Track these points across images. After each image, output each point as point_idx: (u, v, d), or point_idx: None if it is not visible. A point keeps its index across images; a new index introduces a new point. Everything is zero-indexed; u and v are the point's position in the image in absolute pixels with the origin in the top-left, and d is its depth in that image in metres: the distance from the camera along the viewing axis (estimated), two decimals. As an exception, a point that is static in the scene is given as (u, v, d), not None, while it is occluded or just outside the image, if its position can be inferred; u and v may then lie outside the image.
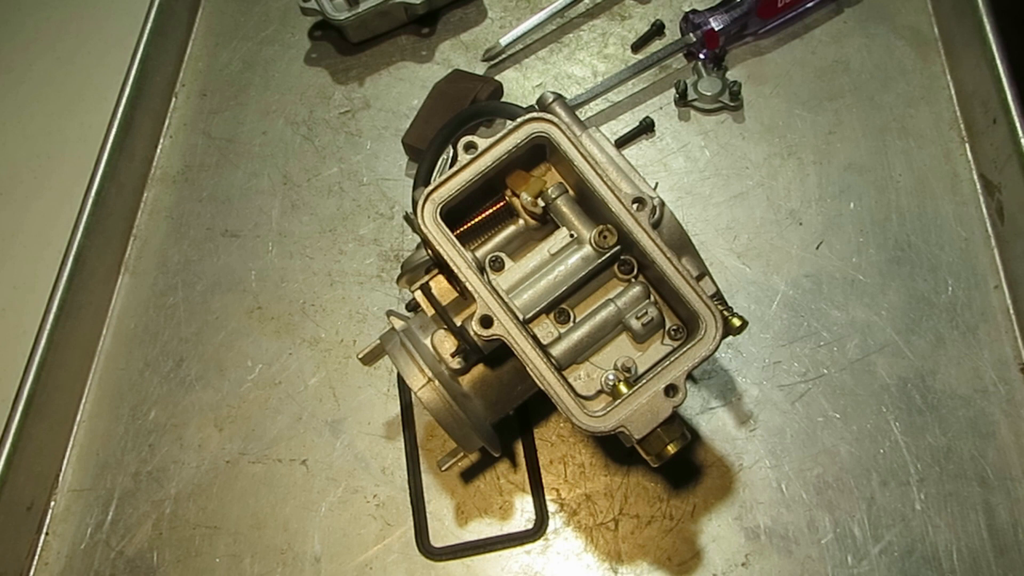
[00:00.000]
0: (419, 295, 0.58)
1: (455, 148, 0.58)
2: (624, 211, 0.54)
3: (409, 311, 0.67)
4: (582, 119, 0.59)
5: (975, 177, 0.78)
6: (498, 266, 0.56)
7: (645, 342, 0.56)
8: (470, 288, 0.53)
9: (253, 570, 0.68)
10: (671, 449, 0.53)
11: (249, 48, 0.97)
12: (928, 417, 0.68)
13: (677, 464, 0.65)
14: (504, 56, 0.91)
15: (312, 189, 0.85)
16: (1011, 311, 0.72)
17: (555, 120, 0.56)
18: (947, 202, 0.77)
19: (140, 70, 0.90)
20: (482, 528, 0.67)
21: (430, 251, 0.58)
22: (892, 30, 0.87)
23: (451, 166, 0.60)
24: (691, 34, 0.84)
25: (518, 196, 0.58)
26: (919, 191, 0.78)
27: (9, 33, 1.04)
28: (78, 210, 0.80)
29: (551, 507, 0.68)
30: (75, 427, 0.76)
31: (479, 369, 0.60)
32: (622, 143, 0.83)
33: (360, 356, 0.62)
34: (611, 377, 0.54)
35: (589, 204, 0.57)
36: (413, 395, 0.65)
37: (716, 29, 0.83)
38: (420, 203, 0.55)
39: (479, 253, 0.58)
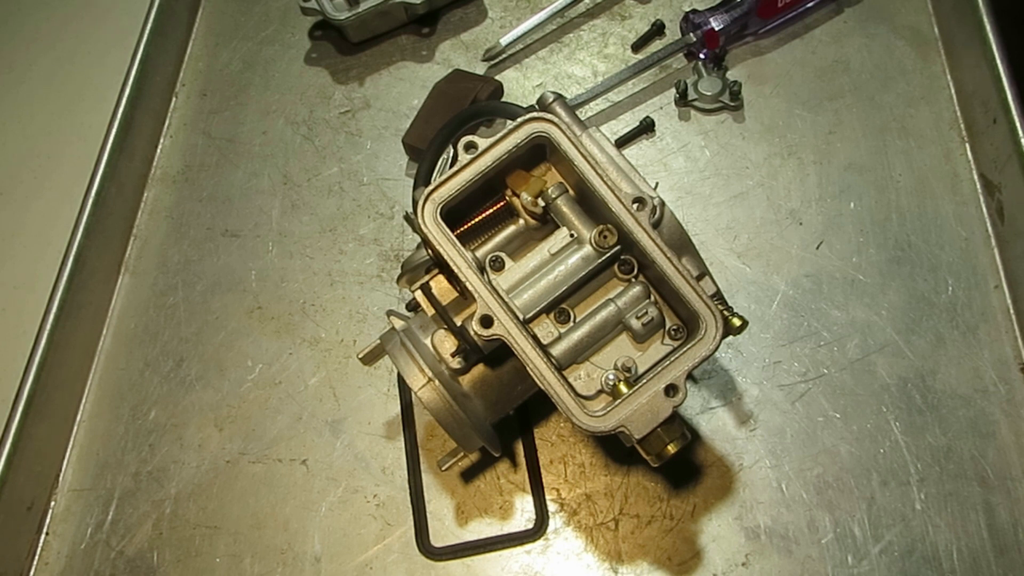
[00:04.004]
0: (419, 295, 0.58)
1: (455, 148, 0.58)
2: (624, 211, 0.54)
3: (409, 311, 0.67)
4: (582, 119, 0.59)
5: (975, 177, 0.78)
6: (498, 266, 0.56)
7: (645, 342, 0.56)
8: (470, 288, 0.53)
9: (253, 570, 0.68)
10: (671, 449, 0.53)
11: (249, 48, 0.97)
12: (928, 417, 0.68)
13: (677, 464, 0.65)
14: (504, 56, 0.91)
15: (312, 189, 0.85)
16: (1011, 311, 0.72)
17: (555, 120, 0.56)
18: (947, 202, 0.77)
19: (140, 70, 0.90)
20: (482, 528, 0.67)
21: (430, 251, 0.58)
22: (892, 30, 0.87)
23: (451, 166, 0.60)
24: (691, 34, 0.84)
25: (518, 196, 0.58)
26: (919, 191, 0.78)
27: (9, 33, 1.04)
28: (78, 210, 0.80)
29: (551, 507, 0.68)
30: (75, 427, 0.76)
31: (479, 369, 0.60)
32: (622, 143, 0.83)
33: (360, 356, 0.62)
34: (611, 377, 0.54)
35: (589, 204, 0.57)
36: (413, 395, 0.65)
37: (716, 29, 0.83)
38: (420, 203, 0.55)
39: (479, 253, 0.58)
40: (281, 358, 0.77)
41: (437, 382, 0.56)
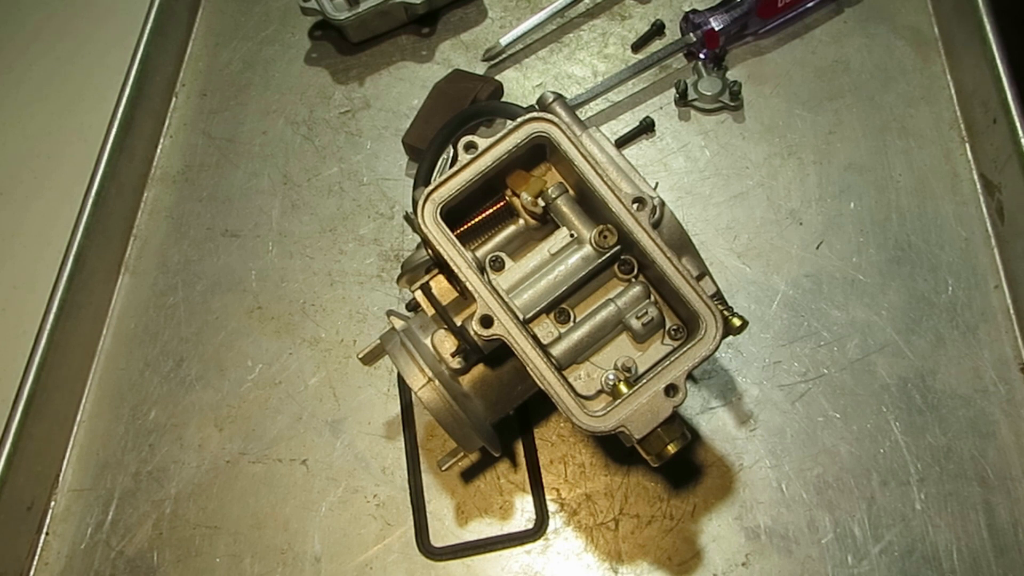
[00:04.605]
0: (419, 295, 0.58)
1: (455, 148, 0.58)
2: (624, 211, 0.54)
3: (409, 311, 0.67)
4: (582, 119, 0.59)
5: (975, 177, 0.78)
6: (498, 266, 0.56)
7: (645, 342, 0.56)
8: (470, 288, 0.53)
9: (253, 570, 0.68)
10: (671, 449, 0.53)
11: (249, 48, 0.97)
12: (928, 417, 0.68)
13: (677, 464, 0.65)
14: (504, 56, 0.91)
15: (312, 189, 0.85)
16: (1011, 311, 0.72)
17: (555, 120, 0.56)
18: (947, 202, 0.77)
19: (140, 70, 0.90)
20: (482, 528, 0.67)
21: (430, 251, 0.58)
22: (892, 30, 0.87)
23: (451, 166, 0.60)
24: (691, 34, 0.84)
25: (518, 196, 0.58)
26: (919, 191, 0.78)
27: (9, 33, 1.04)
28: (78, 210, 0.80)
29: (551, 507, 0.68)
30: (75, 427, 0.76)
31: (479, 369, 0.60)
32: (622, 143, 0.83)
33: (360, 356, 0.62)
34: (611, 377, 0.54)
35: (589, 204, 0.57)
36: (413, 395, 0.65)
37: (716, 29, 0.83)
38: (420, 203, 0.55)
39: (479, 253, 0.58)
40: (281, 358, 0.77)
41: (437, 382, 0.56)
